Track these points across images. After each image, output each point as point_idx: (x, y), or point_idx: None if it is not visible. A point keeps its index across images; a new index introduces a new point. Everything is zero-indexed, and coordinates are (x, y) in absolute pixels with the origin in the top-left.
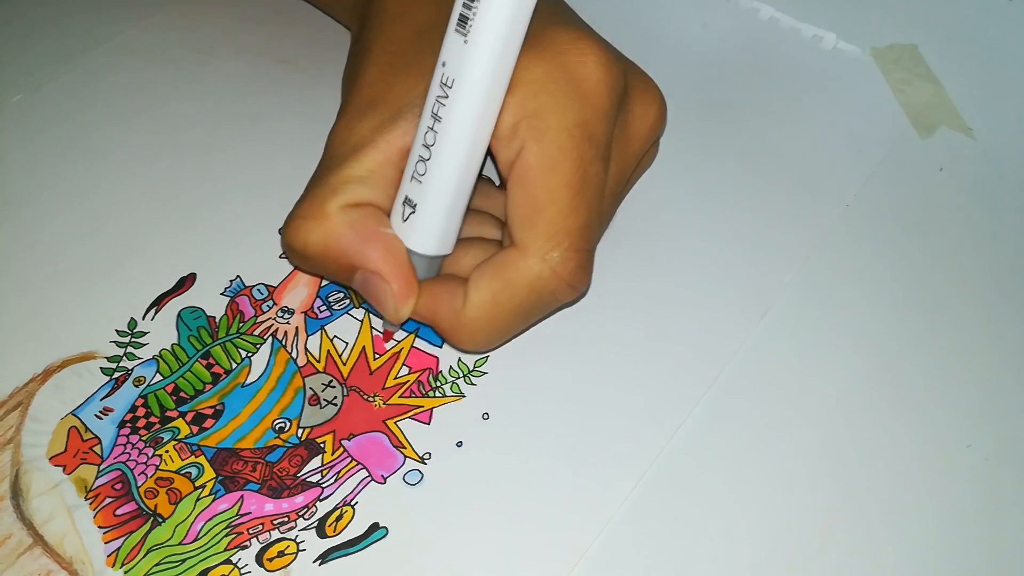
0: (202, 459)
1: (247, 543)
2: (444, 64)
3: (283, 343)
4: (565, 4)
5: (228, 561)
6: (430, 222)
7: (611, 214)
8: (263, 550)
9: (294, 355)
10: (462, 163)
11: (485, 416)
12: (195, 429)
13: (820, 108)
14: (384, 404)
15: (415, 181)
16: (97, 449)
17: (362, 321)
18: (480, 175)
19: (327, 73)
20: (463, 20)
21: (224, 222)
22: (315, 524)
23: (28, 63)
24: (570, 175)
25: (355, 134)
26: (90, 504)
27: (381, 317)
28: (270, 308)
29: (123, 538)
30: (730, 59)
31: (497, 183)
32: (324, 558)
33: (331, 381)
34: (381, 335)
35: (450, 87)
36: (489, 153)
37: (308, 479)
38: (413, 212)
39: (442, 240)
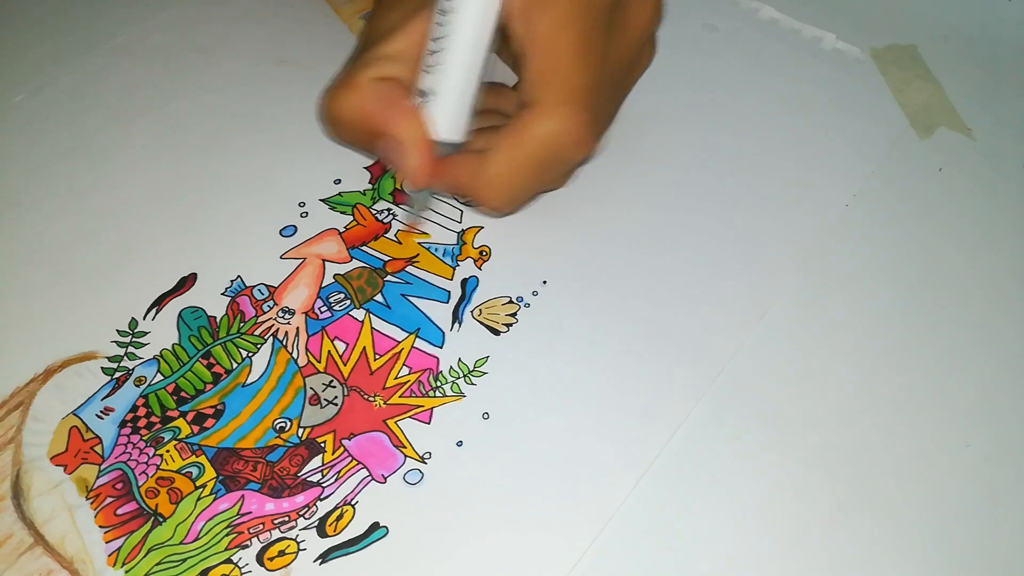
0: (203, 459)
1: (248, 543)
2: None
3: (284, 343)
4: None
5: (229, 560)
6: (444, 108)
7: (617, 96)
8: (263, 549)
9: (295, 355)
10: (469, 52)
11: (485, 416)
12: (196, 429)
13: (820, 108)
14: (384, 404)
15: (428, 72)
16: (98, 449)
17: (363, 322)
18: (487, 73)
19: (327, 73)
20: None
21: (225, 222)
22: (315, 523)
23: (29, 64)
24: (575, 37)
25: (386, 22)
26: (91, 504)
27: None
28: (271, 308)
29: (124, 538)
30: (730, 59)
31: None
32: (324, 557)
33: (332, 381)
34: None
35: None
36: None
37: (308, 479)
38: (429, 100)
39: (455, 125)
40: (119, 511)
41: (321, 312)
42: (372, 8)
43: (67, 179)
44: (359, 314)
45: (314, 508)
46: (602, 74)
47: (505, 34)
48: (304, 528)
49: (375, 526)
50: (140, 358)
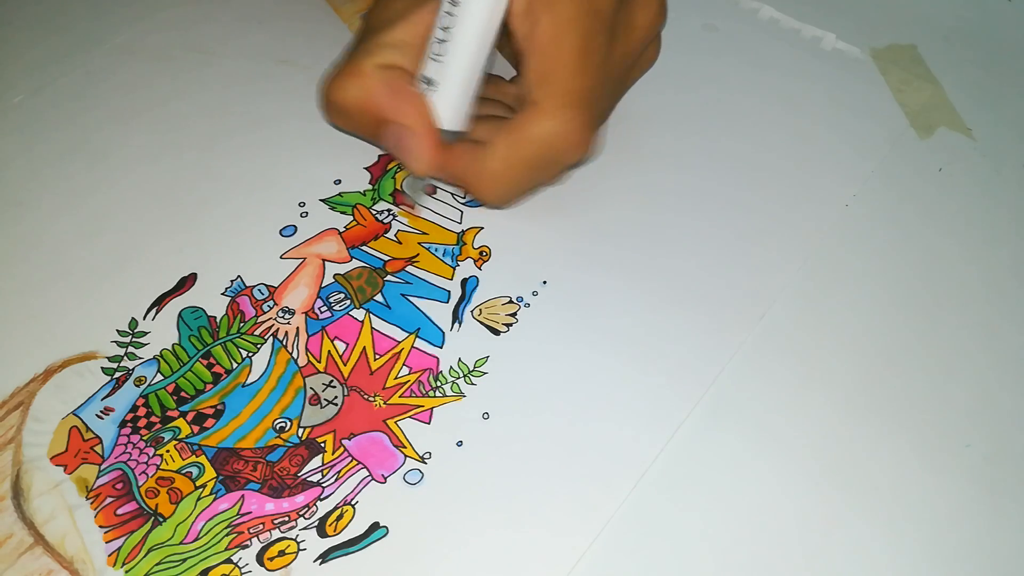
0: (203, 459)
1: (248, 542)
2: None
3: (284, 343)
4: None
5: (229, 560)
6: (448, 98)
7: (616, 95)
8: (264, 549)
9: (295, 355)
10: (477, 43)
11: (485, 416)
12: (196, 429)
13: (820, 108)
14: (384, 404)
15: (434, 61)
16: (98, 449)
17: (363, 322)
18: (490, 65)
19: None
20: None
21: (225, 222)
22: (315, 523)
23: (29, 64)
24: (577, 41)
25: (389, 10)
26: (91, 504)
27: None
28: (271, 308)
29: (124, 538)
30: (730, 59)
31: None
32: (324, 557)
33: (332, 381)
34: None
35: None
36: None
37: (308, 479)
38: (433, 89)
39: (458, 114)
40: (119, 511)
41: (321, 312)
42: None
43: (67, 179)
44: (359, 314)
45: (314, 508)
46: (602, 77)
47: (506, 30)
48: (304, 528)
49: (375, 526)
50: (140, 358)
